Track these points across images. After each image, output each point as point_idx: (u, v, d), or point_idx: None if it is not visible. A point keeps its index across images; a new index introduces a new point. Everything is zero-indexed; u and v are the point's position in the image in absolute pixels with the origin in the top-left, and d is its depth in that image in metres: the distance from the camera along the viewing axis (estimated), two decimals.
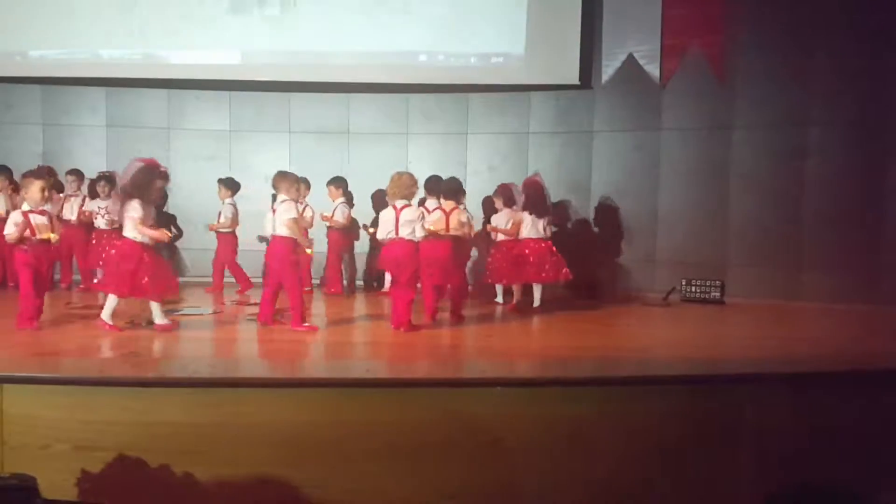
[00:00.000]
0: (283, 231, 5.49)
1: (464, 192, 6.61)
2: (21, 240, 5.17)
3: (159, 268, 5.30)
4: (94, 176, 7.69)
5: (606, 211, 7.94)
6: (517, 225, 6.77)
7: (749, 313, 6.83)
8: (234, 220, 7.49)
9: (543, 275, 6.72)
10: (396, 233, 5.43)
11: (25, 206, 5.28)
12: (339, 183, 7.61)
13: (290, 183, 5.63)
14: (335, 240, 7.55)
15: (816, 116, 7.20)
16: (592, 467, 3.80)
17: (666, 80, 7.68)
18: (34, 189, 5.27)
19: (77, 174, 7.64)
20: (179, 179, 8.13)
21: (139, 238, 5.17)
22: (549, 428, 3.81)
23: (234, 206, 7.53)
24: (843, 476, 3.84)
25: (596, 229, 8.01)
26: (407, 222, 5.41)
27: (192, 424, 3.67)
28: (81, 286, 7.48)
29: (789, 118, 7.32)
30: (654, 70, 7.71)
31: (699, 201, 7.67)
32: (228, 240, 7.55)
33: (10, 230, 5.20)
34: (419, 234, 5.45)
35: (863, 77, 7.00)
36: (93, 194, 7.61)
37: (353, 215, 7.68)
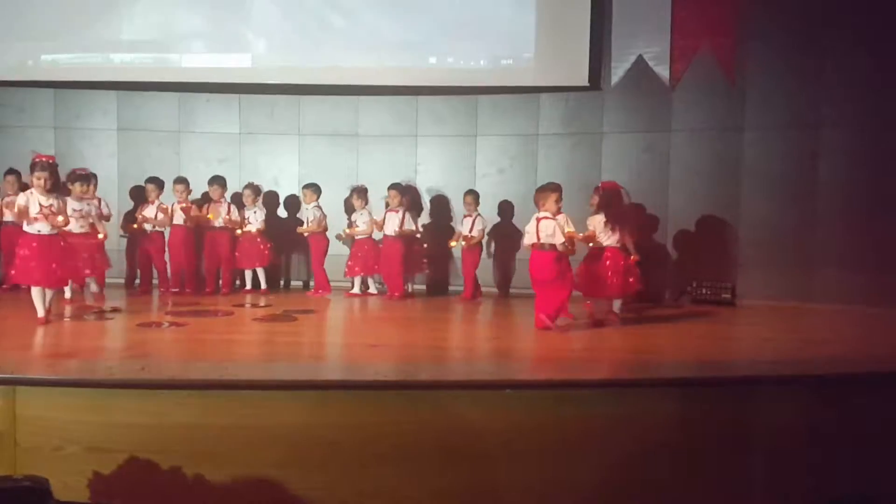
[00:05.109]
0: None
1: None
2: None
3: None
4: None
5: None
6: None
7: (760, 315, 6.78)
8: (320, 223, 7.76)
9: None
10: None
11: None
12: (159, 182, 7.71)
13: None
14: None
15: (827, 117, 7.16)
16: (603, 471, 3.79)
17: (676, 82, 7.66)
18: None
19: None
20: (190, 182, 8.19)
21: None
22: (559, 431, 3.80)
23: (320, 208, 7.81)
24: (854, 480, 3.83)
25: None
26: None
27: (204, 426, 3.69)
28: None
29: (800, 119, 7.29)
30: (663, 72, 7.68)
31: (709, 203, 7.63)
32: (319, 242, 7.82)
33: None
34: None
35: (873, 77, 6.96)
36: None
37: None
